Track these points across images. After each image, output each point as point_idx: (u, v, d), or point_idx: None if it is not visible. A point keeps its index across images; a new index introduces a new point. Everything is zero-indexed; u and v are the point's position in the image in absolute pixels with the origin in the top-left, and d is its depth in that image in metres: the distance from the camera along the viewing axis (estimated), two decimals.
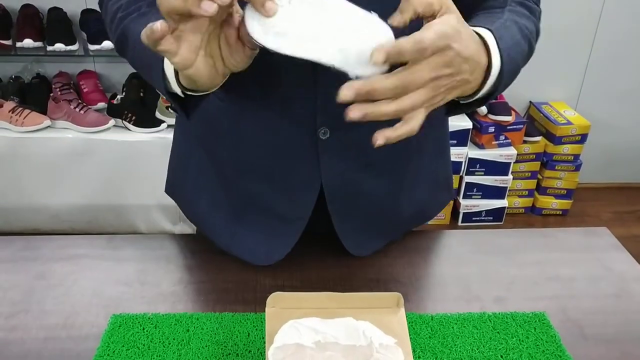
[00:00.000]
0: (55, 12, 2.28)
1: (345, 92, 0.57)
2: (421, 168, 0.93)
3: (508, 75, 0.69)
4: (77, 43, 2.28)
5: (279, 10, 0.58)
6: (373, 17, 0.60)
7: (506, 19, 0.73)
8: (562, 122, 2.51)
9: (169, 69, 0.67)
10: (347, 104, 0.62)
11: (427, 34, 0.57)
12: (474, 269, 0.91)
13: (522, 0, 0.80)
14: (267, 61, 0.72)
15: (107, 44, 2.22)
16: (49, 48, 2.23)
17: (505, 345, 0.76)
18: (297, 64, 0.72)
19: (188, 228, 2.28)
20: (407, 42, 0.57)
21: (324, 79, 0.76)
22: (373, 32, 0.59)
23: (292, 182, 0.86)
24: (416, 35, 0.57)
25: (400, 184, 0.91)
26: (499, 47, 0.67)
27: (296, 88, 0.78)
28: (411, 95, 0.59)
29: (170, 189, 1.02)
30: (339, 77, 0.69)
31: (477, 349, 0.75)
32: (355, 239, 0.90)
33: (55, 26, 2.25)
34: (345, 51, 0.59)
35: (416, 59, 0.58)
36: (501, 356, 0.75)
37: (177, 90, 0.68)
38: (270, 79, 0.78)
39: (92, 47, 2.25)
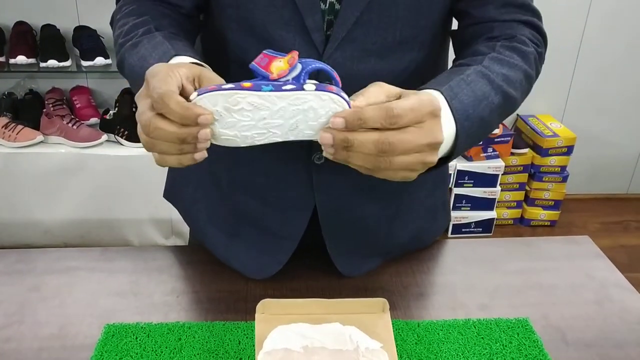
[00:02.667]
0: (48, 29, 2.31)
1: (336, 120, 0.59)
2: (418, 197, 0.94)
3: (469, 133, 0.67)
4: (70, 59, 2.30)
5: (219, 121, 0.60)
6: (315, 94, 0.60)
7: (471, 73, 0.70)
8: (549, 134, 2.55)
9: None
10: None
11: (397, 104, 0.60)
12: (459, 278, 0.93)
13: (512, 45, 0.77)
14: None
15: (100, 60, 2.25)
16: (42, 64, 2.25)
17: (489, 351, 0.78)
18: None
19: (180, 241, 2.29)
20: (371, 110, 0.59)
21: None
22: (316, 107, 0.61)
23: (285, 202, 0.87)
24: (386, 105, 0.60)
25: (395, 211, 0.92)
26: (450, 107, 0.65)
27: None
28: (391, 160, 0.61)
29: (169, 196, 1.04)
30: None
31: (462, 355, 0.78)
32: (347, 260, 0.91)
33: (48, 43, 2.27)
34: (296, 130, 0.62)
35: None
36: None
37: None
38: None
39: (84, 63, 2.27)
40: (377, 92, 0.63)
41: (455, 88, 0.67)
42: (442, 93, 0.66)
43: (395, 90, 0.64)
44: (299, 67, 0.60)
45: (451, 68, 0.75)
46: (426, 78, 0.84)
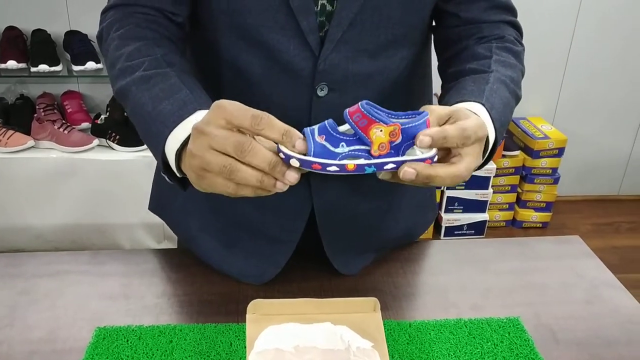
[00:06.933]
0: (39, 33, 2.30)
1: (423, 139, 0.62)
2: (408, 192, 0.95)
3: (500, 137, 0.75)
4: (61, 64, 2.29)
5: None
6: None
7: (494, 81, 0.76)
8: (540, 136, 2.56)
9: (170, 154, 0.67)
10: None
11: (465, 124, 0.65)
12: (451, 278, 0.93)
13: (505, 45, 0.82)
14: (258, 97, 0.74)
15: (91, 65, 2.24)
16: (33, 69, 2.24)
17: (481, 350, 0.79)
18: (284, 94, 0.75)
19: (172, 246, 2.28)
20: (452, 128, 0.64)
21: (316, 111, 0.79)
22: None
23: (284, 208, 0.87)
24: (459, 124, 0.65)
25: (388, 206, 0.93)
26: (492, 118, 0.72)
27: (287, 120, 0.80)
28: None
29: (155, 208, 1.03)
30: (330, 110, 0.73)
31: (454, 354, 0.78)
32: (344, 259, 0.92)
33: (39, 48, 2.26)
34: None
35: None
36: None
37: (178, 173, 0.68)
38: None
39: (75, 67, 2.26)
40: (432, 121, 0.66)
41: (490, 99, 0.73)
42: (483, 105, 0.72)
43: (444, 111, 0.68)
44: (400, 136, 0.62)
45: (470, 76, 0.78)
46: (415, 74, 0.85)
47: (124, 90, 0.73)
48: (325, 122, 0.62)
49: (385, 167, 0.62)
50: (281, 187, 0.61)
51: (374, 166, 0.62)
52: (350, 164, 0.61)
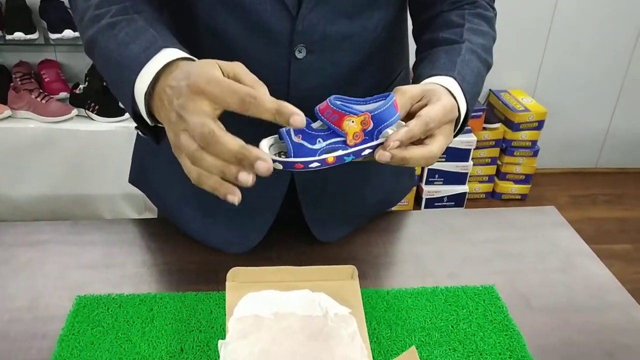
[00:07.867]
0: (14, 0, 2.24)
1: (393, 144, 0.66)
2: None
3: (472, 108, 0.77)
4: (37, 32, 2.24)
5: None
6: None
7: (465, 52, 0.78)
8: (520, 109, 2.58)
9: (139, 97, 0.66)
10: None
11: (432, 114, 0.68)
12: (429, 248, 0.95)
13: (477, 11, 0.84)
14: (236, 60, 0.73)
15: (69, 33, 2.19)
16: (8, 37, 2.19)
17: (456, 317, 0.80)
18: (262, 57, 0.76)
19: (153, 217, 2.28)
20: (417, 126, 0.67)
21: (295, 73, 0.79)
22: None
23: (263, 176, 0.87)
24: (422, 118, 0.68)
25: (367, 172, 0.94)
26: (463, 91, 0.74)
27: (266, 83, 0.80)
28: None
29: (135, 181, 1.02)
30: (309, 72, 0.75)
31: (430, 320, 0.79)
32: (324, 226, 0.93)
33: (14, 14, 2.21)
34: None
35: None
36: (452, 326, 0.79)
37: (149, 121, 0.67)
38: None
39: (52, 36, 2.22)
40: (405, 102, 0.69)
41: (462, 72, 0.75)
42: (455, 79, 0.75)
43: (416, 91, 0.70)
44: (371, 123, 0.65)
45: (443, 47, 0.80)
46: (392, 37, 0.87)
47: (92, 41, 0.71)
48: None
49: (363, 154, 0.66)
50: (245, 179, 0.59)
51: (352, 154, 0.65)
52: (330, 157, 0.64)
